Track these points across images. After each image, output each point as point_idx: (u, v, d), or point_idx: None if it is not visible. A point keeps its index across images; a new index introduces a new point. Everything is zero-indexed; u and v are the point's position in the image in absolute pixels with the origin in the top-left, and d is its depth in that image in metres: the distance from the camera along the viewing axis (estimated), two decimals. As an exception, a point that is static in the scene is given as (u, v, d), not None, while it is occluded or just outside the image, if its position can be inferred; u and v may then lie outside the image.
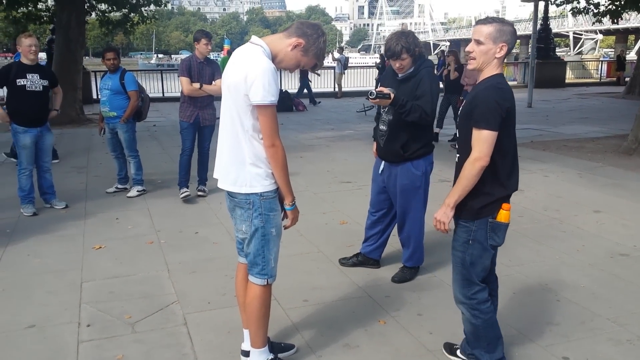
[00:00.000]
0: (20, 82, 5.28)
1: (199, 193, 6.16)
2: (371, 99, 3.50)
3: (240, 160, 2.50)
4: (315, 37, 2.55)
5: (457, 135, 2.73)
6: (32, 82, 5.33)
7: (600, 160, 7.89)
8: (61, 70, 12.09)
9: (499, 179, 2.55)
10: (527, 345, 3.04)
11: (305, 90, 16.98)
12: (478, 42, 2.46)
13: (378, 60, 18.86)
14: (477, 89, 2.53)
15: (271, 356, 2.79)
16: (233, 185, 2.55)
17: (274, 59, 2.52)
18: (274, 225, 2.60)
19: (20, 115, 5.33)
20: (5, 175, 7.05)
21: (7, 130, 5.41)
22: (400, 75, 3.68)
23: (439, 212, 2.62)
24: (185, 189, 6.06)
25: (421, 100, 3.54)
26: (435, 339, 3.11)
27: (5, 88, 5.38)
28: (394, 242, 4.23)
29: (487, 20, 2.48)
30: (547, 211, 5.53)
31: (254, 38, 2.57)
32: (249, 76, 2.40)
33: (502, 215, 2.58)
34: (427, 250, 4.39)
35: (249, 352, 2.80)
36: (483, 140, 2.43)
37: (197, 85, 5.77)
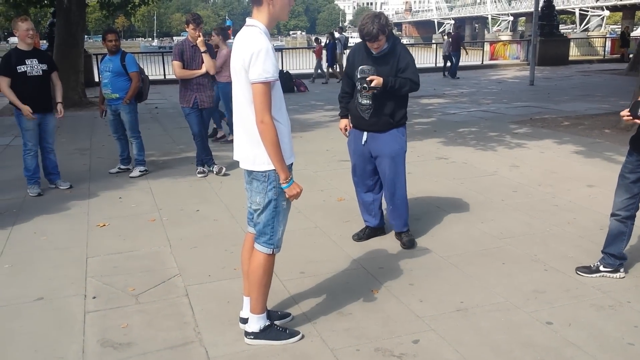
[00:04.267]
0: (21, 68, 5.34)
1: (199, 175, 6.28)
2: (365, 91, 3.80)
3: (256, 140, 2.63)
4: None
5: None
6: (32, 67, 5.40)
7: (597, 137, 7.96)
8: (62, 53, 12.18)
9: None
10: (513, 312, 3.18)
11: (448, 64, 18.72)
12: None
13: (326, 40, 18.76)
14: None
15: (268, 322, 2.93)
16: (253, 164, 2.70)
17: (270, 25, 2.64)
18: (285, 198, 2.74)
19: (24, 101, 5.39)
20: (11, 159, 7.20)
21: (12, 114, 5.51)
22: (375, 53, 3.86)
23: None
24: (201, 168, 6.31)
25: (407, 72, 3.84)
26: (424, 307, 3.25)
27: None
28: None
29: None
30: (541, 186, 5.64)
31: (248, 20, 2.69)
32: (245, 58, 2.54)
33: None
34: (414, 223, 4.53)
35: (247, 319, 2.95)
36: None
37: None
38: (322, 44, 18.95)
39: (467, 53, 20.42)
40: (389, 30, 3.78)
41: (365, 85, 3.77)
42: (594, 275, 3.56)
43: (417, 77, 3.88)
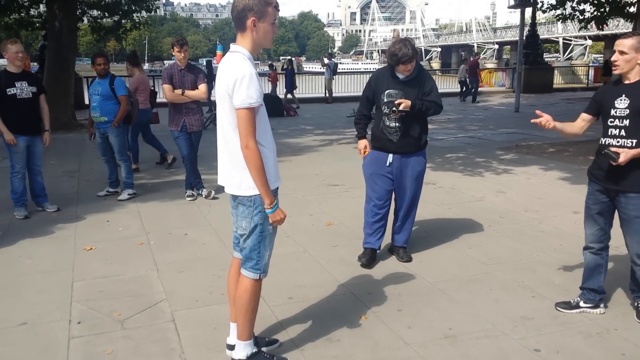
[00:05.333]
0: (11, 91, 5.33)
1: (188, 199, 6.26)
2: (394, 114, 4.00)
3: (242, 165, 2.63)
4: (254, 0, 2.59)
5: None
6: (22, 89, 5.40)
7: (582, 163, 8.07)
8: (53, 76, 12.19)
9: None
10: (501, 338, 3.18)
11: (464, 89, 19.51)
12: (622, 53, 3.13)
13: (283, 65, 19.08)
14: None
15: (255, 349, 2.91)
16: (238, 189, 2.70)
17: (255, 51, 2.67)
18: (271, 223, 2.74)
19: (13, 124, 5.37)
20: (-3, 180, 7.12)
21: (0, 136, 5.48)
22: (403, 77, 4.08)
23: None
24: (190, 192, 6.31)
25: (432, 96, 4.13)
26: (413, 333, 3.24)
27: None
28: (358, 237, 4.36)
29: (628, 35, 3.20)
30: (528, 212, 5.70)
31: (232, 46, 2.71)
32: (229, 83, 2.56)
33: None
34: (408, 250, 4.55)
35: (234, 345, 2.92)
36: None
37: (179, 91, 5.89)
38: (277, 71, 19.05)
39: (482, 80, 20.86)
40: (418, 54, 4.10)
41: (394, 108, 3.96)
42: (574, 311, 3.48)
43: (440, 100, 4.18)
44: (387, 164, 4.23)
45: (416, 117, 4.11)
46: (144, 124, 7.91)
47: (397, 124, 4.12)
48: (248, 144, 2.56)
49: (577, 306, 3.50)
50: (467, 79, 19.51)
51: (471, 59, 20.33)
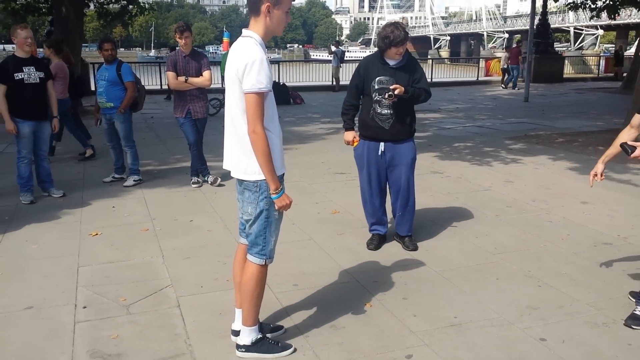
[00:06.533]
0: (18, 75, 5.33)
1: (194, 186, 6.25)
2: (389, 99, 3.96)
3: (249, 150, 2.62)
4: None
5: None
6: (29, 75, 5.39)
7: (591, 154, 7.99)
8: (60, 61, 12.16)
9: None
10: (507, 327, 3.16)
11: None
12: None
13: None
14: None
15: (260, 335, 2.90)
16: (244, 174, 2.70)
17: (266, 37, 2.66)
18: (277, 209, 2.73)
19: (20, 109, 5.38)
20: (4, 166, 7.15)
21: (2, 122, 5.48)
22: (393, 63, 4.07)
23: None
24: (195, 178, 6.29)
25: (421, 83, 4.15)
26: (418, 321, 3.23)
27: None
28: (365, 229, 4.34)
29: None
30: (535, 202, 5.65)
31: (244, 31, 2.70)
32: (240, 67, 2.55)
33: None
34: (414, 239, 4.53)
35: (239, 331, 2.92)
36: None
37: (182, 78, 5.86)
38: None
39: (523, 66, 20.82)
40: (408, 38, 4.13)
41: (390, 93, 3.94)
42: None
43: (429, 88, 4.20)
44: (380, 153, 4.21)
45: (407, 104, 4.12)
46: (61, 114, 7.05)
47: (389, 111, 4.10)
48: (255, 128, 2.54)
49: None
50: (509, 66, 19.84)
51: (513, 46, 20.50)
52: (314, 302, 3.48)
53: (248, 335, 2.87)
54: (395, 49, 4.01)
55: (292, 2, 2.76)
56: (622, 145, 3.16)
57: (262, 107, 2.56)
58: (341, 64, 19.17)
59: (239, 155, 2.71)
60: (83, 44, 16.01)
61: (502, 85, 20.12)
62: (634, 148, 3.09)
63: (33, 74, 5.43)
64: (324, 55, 49.37)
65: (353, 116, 4.34)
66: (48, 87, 5.61)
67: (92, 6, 15.63)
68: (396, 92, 3.93)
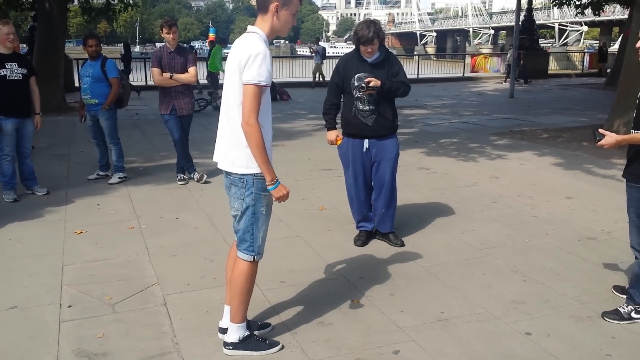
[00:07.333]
0: (1, 72, 5.24)
1: (179, 183, 6.21)
2: (364, 91, 3.95)
3: (239, 142, 2.63)
4: None
5: None
6: (12, 71, 5.31)
7: (575, 149, 8.09)
8: (43, 58, 12.00)
9: None
10: (493, 322, 3.19)
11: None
12: None
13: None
14: None
15: (247, 332, 2.90)
16: (232, 165, 2.70)
17: (271, 35, 2.67)
18: (264, 204, 2.74)
19: (2, 105, 5.29)
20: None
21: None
22: (371, 59, 4.08)
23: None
24: (181, 175, 6.26)
25: (400, 76, 4.14)
26: (405, 317, 3.24)
27: None
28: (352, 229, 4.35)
29: None
30: (521, 197, 5.70)
31: (249, 27, 2.72)
32: (242, 59, 2.55)
33: None
34: (400, 234, 4.54)
35: (226, 329, 2.91)
36: None
37: (167, 75, 5.81)
38: None
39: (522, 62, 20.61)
40: (383, 36, 4.03)
41: (363, 85, 3.93)
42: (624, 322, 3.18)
43: (408, 81, 4.19)
44: (364, 150, 4.22)
45: (387, 98, 4.14)
46: None
47: (371, 107, 4.10)
48: (249, 120, 2.55)
49: (630, 318, 3.19)
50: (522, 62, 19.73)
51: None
52: (302, 299, 3.48)
53: (236, 333, 2.86)
54: (364, 48, 4.00)
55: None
56: (594, 131, 3.19)
57: (259, 100, 2.56)
58: (323, 61, 19.19)
59: (229, 146, 2.71)
60: (67, 40, 15.79)
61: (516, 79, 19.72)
62: (602, 136, 3.11)
63: (16, 70, 5.34)
64: (307, 51, 49.30)
65: (335, 115, 4.33)
66: (31, 83, 5.53)
67: (76, 1, 15.42)
68: (371, 84, 3.92)
